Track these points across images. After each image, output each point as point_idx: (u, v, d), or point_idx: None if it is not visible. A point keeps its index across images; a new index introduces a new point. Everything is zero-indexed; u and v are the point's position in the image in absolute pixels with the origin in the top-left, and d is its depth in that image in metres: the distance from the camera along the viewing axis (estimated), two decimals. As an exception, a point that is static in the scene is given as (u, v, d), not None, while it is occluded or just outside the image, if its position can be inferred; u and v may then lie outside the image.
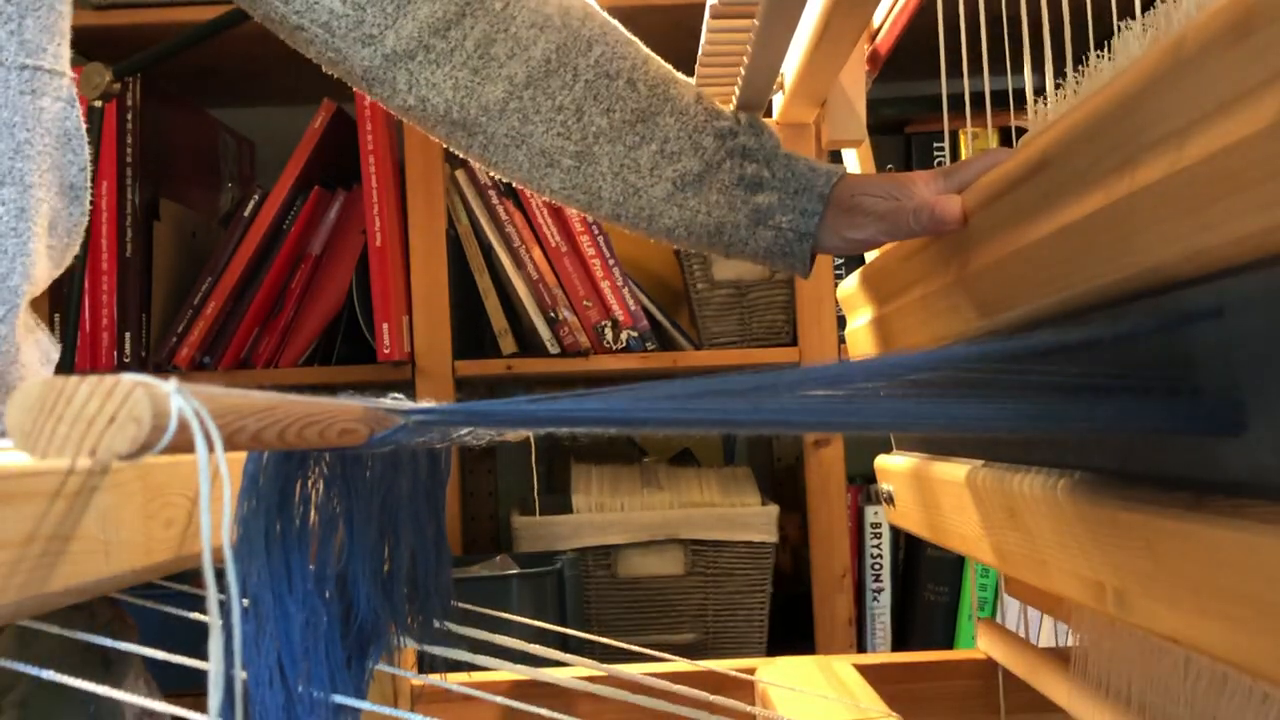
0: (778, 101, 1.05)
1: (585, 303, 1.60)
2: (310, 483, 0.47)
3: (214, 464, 0.31)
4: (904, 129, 1.75)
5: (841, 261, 1.67)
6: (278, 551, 0.45)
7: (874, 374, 0.50)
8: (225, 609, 0.33)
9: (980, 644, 1.05)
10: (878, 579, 1.69)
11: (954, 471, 0.75)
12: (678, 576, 1.61)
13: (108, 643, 0.49)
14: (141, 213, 1.63)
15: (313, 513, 0.47)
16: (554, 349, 1.60)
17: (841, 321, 1.58)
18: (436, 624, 0.61)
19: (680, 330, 1.66)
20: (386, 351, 1.58)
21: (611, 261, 1.60)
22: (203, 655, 0.33)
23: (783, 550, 1.75)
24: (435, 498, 0.59)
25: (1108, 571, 0.51)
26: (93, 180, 0.72)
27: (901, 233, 0.75)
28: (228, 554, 0.35)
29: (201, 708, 0.35)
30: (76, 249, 0.73)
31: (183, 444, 0.31)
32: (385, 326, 1.58)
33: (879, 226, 0.76)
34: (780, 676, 0.99)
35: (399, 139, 1.61)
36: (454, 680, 0.68)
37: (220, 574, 0.33)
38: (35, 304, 0.70)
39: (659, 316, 1.64)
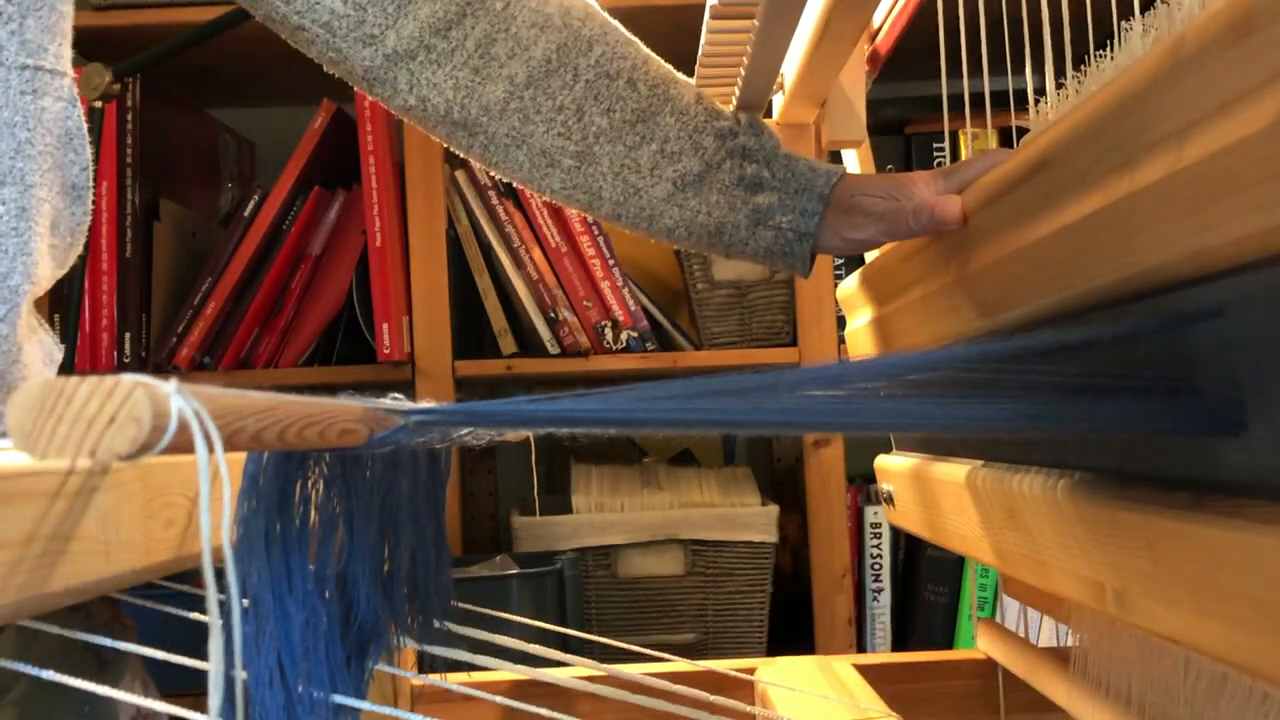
0: (778, 102, 1.05)
1: (585, 303, 1.60)
2: (310, 483, 0.47)
3: (214, 464, 0.31)
4: (904, 129, 1.75)
5: (841, 262, 1.67)
6: (278, 551, 0.45)
7: (874, 374, 0.50)
8: (225, 609, 0.33)
9: (980, 644, 1.05)
10: (878, 579, 1.69)
11: (954, 472, 0.75)
12: (678, 576, 1.61)
13: (107, 643, 0.49)
14: (141, 213, 1.63)
15: (313, 513, 0.47)
16: (554, 349, 1.60)
17: (841, 321, 1.58)
18: (436, 624, 0.61)
19: (680, 330, 1.66)
20: (386, 351, 1.58)
21: (611, 262, 1.60)
22: (203, 655, 0.33)
23: (783, 550, 1.75)
24: (435, 498, 0.59)
25: (1108, 571, 0.51)
26: (93, 180, 0.72)
27: (901, 233, 0.75)
28: (228, 554, 0.35)
29: (201, 708, 0.35)
30: (80, 249, 0.73)
31: (183, 444, 0.31)
32: (385, 326, 1.58)
33: (879, 227, 0.76)
34: (780, 676, 0.99)
35: (399, 139, 1.61)
36: (454, 680, 0.68)
37: (220, 574, 0.33)
38: (36, 304, 0.70)
39: (659, 317, 1.64)
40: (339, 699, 0.46)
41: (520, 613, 1.10)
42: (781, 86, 1.01)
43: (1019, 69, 0.77)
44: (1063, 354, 0.54)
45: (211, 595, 0.32)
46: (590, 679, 0.74)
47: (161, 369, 1.61)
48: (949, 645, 1.65)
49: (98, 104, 1.43)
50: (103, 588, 0.42)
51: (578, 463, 1.71)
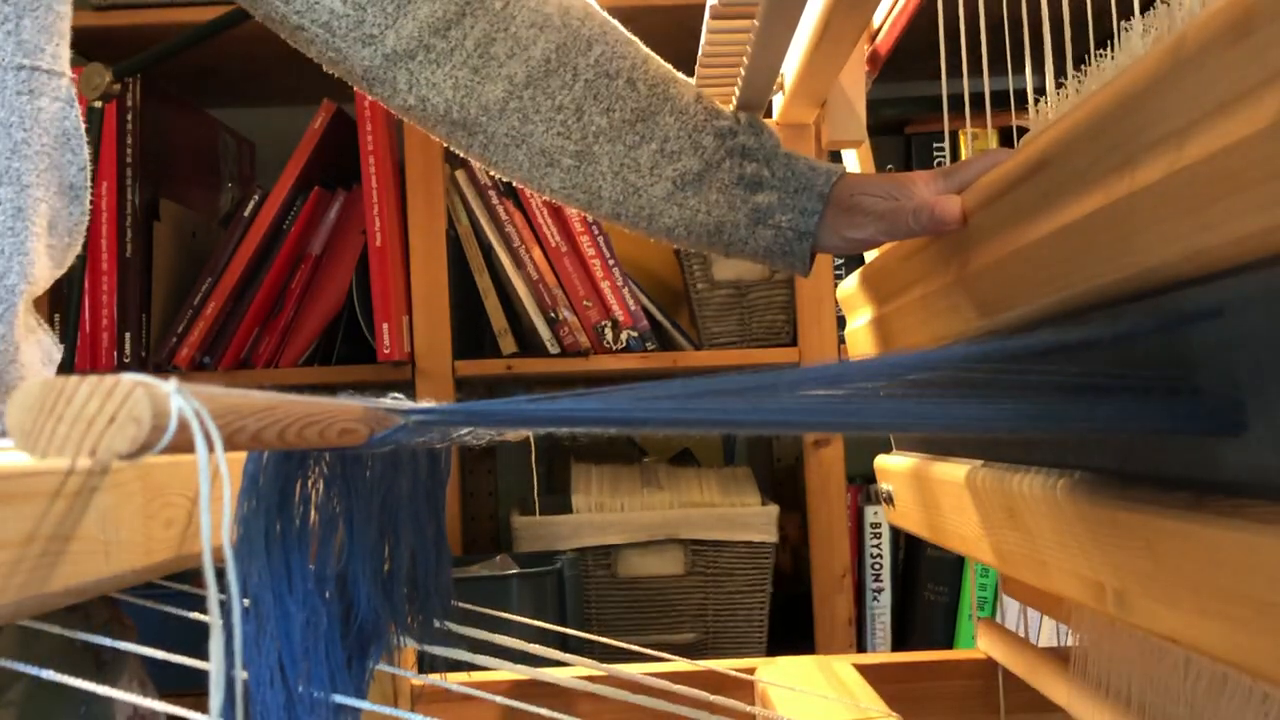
0: (778, 102, 1.05)
1: (585, 303, 1.60)
2: (310, 483, 0.47)
3: (214, 464, 0.31)
4: (904, 129, 1.75)
5: (841, 261, 1.67)
6: (278, 551, 0.45)
7: (874, 374, 0.50)
8: (225, 609, 0.33)
9: (980, 644, 1.05)
10: (878, 579, 1.69)
11: (954, 471, 0.75)
12: (678, 576, 1.61)
13: (107, 642, 0.49)
14: (141, 213, 1.63)
15: (313, 513, 0.47)
16: (554, 349, 1.60)
17: (841, 321, 1.58)
18: (436, 624, 0.61)
19: (680, 330, 1.66)
20: (386, 351, 1.58)
21: (611, 261, 1.60)
22: (203, 655, 0.33)
23: (783, 550, 1.75)
24: (435, 498, 0.59)
25: (1108, 571, 0.51)
26: (93, 180, 0.72)
27: (901, 233, 0.75)
28: (228, 554, 0.35)
29: (202, 708, 0.35)
30: (78, 249, 0.73)
31: (183, 444, 0.31)
32: (385, 326, 1.58)
33: (878, 226, 0.76)
34: (780, 676, 0.99)
35: (399, 139, 1.61)
36: (454, 680, 0.68)
37: (220, 574, 0.33)
38: (35, 304, 0.70)
39: (659, 316, 1.64)
40: (339, 699, 0.46)
41: (520, 613, 1.10)
42: (781, 86, 1.01)
43: (1019, 69, 0.77)
44: (1063, 354, 0.54)
45: (212, 595, 0.32)
46: (590, 679, 0.74)
47: (161, 369, 1.61)
48: (949, 645, 1.65)
49: (98, 104, 1.43)
50: (103, 588, 0.42)
51: (578, 462, 1.71)
